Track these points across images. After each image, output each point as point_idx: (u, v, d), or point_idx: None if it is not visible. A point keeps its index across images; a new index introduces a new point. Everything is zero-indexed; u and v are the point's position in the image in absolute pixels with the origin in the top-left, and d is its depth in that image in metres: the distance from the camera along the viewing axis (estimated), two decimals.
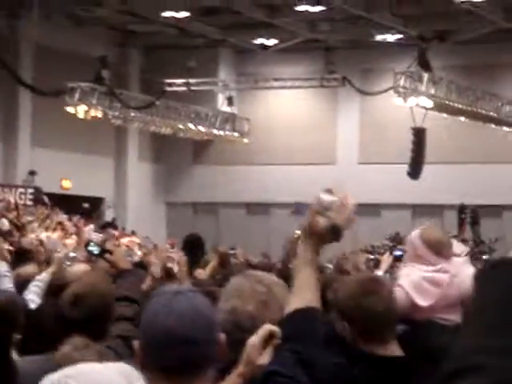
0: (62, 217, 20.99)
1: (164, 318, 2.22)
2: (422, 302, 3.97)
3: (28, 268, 6.93)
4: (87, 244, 4.85)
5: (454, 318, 4.02)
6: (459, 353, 1.19)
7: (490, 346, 1.16)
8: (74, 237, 20.13)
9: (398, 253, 7.77)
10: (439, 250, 4.16)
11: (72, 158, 26.04)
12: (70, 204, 24.40)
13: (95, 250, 4.60)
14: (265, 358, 2.38)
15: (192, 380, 2.22)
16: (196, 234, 8.41)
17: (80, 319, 3.62)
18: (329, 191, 2.52)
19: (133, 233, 22.24)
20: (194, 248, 7.96)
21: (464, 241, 22.24)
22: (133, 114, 25.67)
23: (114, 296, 3.90)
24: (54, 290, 4.84)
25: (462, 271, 4.16)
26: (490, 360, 1.14)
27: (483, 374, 1.13)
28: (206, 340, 2.24)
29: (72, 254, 9.38)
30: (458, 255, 8.09)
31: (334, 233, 2.50)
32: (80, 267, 5.57)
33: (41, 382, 1.85)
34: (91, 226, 20.05)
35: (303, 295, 2.50)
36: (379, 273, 7.23)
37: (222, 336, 2.34)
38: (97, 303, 3.70)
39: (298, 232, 2.71)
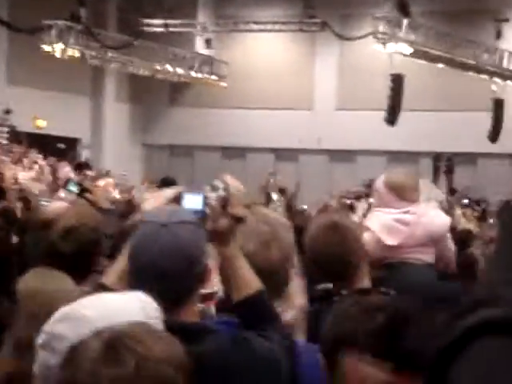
0: (38, 156, 20.84)
1: (145, 251, 2.29)
2: (391, 241, 4.02)
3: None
4: (66, 183, 4.83)
5: (426, 258, 4.09)
6: (480, 287, 1.23)
7: (507, 278, 1.18)
8: (49, 177, 20.04)
9: (380, 177, 7.85)
10: (402, 194, 4.20)
11: (48, 96, 25.78)
12: (44, 144, 24.25)
13: (75, 188, 4.58)
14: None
15: (175, 311, 2.27)
16: (171, 177, 8.43)
17: (71, 253, 3.59)
18: (213, 187, 2.53)
19: (107, 173, 22.14)
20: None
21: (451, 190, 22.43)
22: (110, 54, 25.40)
23: (103, 230, 3.90)
24: (34, 225, 4.83)
25: (429, 212, 4.23)
26: (507, 291, 1.15)
27: (499, 303, 1.14)
28: (186, 274, 2.30)
29: (44, 202, 9.35)
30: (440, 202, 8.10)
31: (240, 221, 2.52)
32: (60, 204, 5.56)
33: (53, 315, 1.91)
34: (67, 168, 19.96)
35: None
36: (355, 219, 7.32)
37: (210, 263, 2.41)
38: (88, 236, 3.69)
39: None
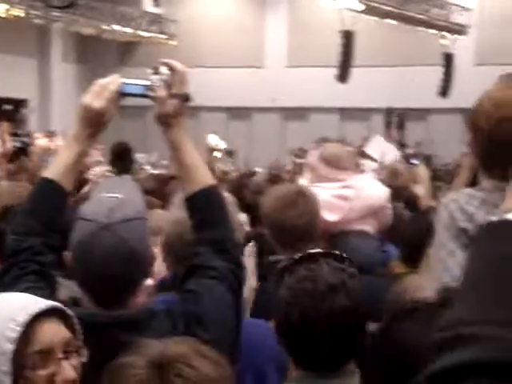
0: None
1: (86, 255, 2.20)
2: (331, 217, 4.07)
3: None
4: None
5: (367, 228, 4.17)
6: (452, 321, 1.13)
7: (485, 316, 1.10)
8: None
9: (312, 152, 7.80)
10: (338, 163, 4.27)
11: None
12: None
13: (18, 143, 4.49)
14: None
15: (120, 305, 2.23)
16: (123, 142, 8.27)
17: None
18: (155, 71, 2.47)
19: (51, 133, 21.74)
20: (123, 158, 7.89)
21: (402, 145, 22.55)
22: (55, 14, 24.89)
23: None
24: None
25: (368, 185, 4.28)
26: (486, 330, 1.08)
27: (478, 344, 1.07)
28: (130, 274, 2.23)
29: None
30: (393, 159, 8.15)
31: (187, 100, 2.49)
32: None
33: None
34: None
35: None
36: (304, 181, 7.29)
37: (155, 252, 2.35)
38: None
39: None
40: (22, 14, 23.37)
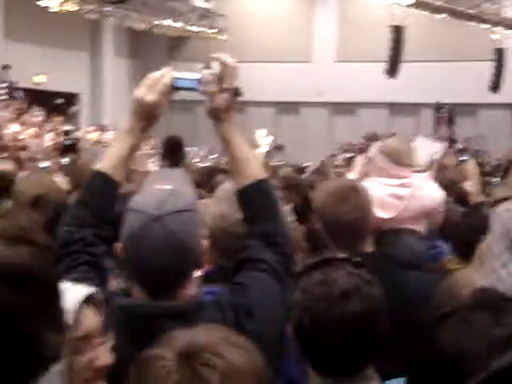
0: (37, 113, 20.72)
1: (138, 247, 2.22)
2: (384, 214, 4.05)
3: (6, 165, 6.93)
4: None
5: (419, 228, 4.15)
6: None
7: None
8: (51, 134, 19.96)
9: (374, 145, 7.80)
10: (399, 159, 4.24)
11: (46, 52, 25.55)
12: (44, 99, 24.09)
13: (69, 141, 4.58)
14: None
15: (171, 296, 2.25)
16: (175, 136, 8.33)
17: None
18: (206, 66, 2.49)
19: (102, 127, 21.99)
20: (174, 151, 7.94)
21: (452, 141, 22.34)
22: (108, 9, 25.14)
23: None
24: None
25: (425, 185, 4.25)
26: None
27: None
28: (181, 267, 2.26)
29: (44, 165, 9.32)
30: (435, 154, 8.18)
31: (238, 94, 2.51)
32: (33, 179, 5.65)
33: None
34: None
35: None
36: (351, 175, 7.30)
37: (205, 243, 2.35)
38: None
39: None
40: (75, 9, 23.64)
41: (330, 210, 3.34)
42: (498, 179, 11.57)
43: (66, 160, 10.97)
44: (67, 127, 16.38)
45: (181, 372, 1.46)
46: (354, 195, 3.38)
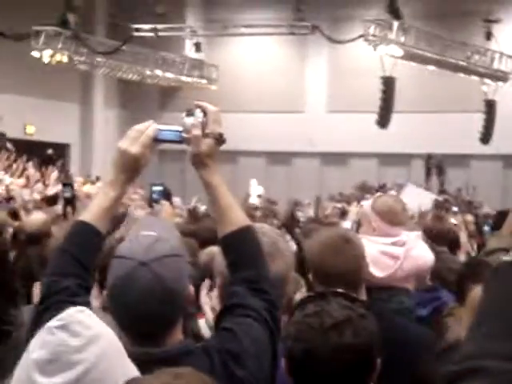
0: (27, 164, 20.73)
1: (125, 293, 2.20)
2: (379, 273, 3.99)
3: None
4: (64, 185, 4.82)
5: (410, 286, 4.11)
6: (462, 356, 1.16)
7: (493, 350, 1.13)
8: (39, 185, 19.89)
9: (366, 202, 7.79)
10: (392, 218, 4.19)
11: (37, 103, 25.68)
12: (34, 150, 24.12)
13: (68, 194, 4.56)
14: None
15: (159, 341, 2.23)
16: (165, 187, 8.31)
17: None
18: (189, 113, 2.49)
19: (97, 179, 22.03)
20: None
21: (442, 192, 22.39)
22: (99, 60, 25.29)
23: None
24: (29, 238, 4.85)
25: (417, 245, 4.22)
26: (493, 363, 1.11)
27: (486, 376, 1.10)
28: (169, 312, 2.23)
29: (27, 197, 9.23)
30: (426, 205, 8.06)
31: (221, 140, 2.51)
32: (39, 215, 5.58)
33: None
34: (55, 173, 19.84)
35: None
36: (347, 223, 7.28)
37: (191, 289, 2.33)
38: None
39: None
40: (66, 60, 23.76)
41: (323, 262, 3.29)
42: (489, 229, 11.56)
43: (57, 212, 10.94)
44: (66, 180, 16.45)
45: None
46: (347, 246, 3.33)
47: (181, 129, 2.48)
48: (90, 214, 2.47)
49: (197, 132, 2.46)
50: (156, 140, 2.48)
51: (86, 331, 1.67)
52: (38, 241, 4.39)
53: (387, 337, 2.37)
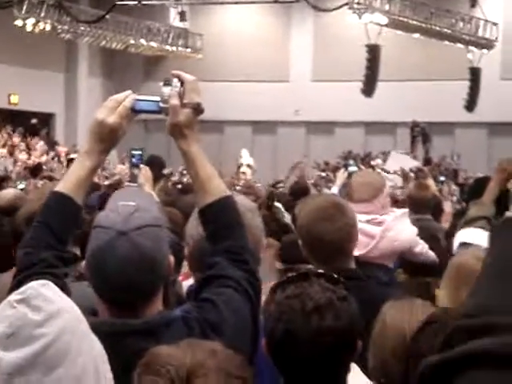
0: (12, 134, 20.66)
1: (104, 263, 2.18)
2: (355, 251, 4.02)
3: None
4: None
5: (388, 263, 4.16)
6: (471, 311, 1.17)
7: (502, 305, 1.14)
8: (24, 153, 19.84)
9: (352, 168, 7.83)
10: (351, 194, 4.23)
11: (21, 72, 25.47)
12: (18, 119, 24.02)
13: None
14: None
15: (139, 310, 2.23)
16: (158, 156, 8.28)
17: None
18: (166, 82, 2.45)
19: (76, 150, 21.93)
20: (154, 170, 7.88)
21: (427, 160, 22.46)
22: (82, 28, 25.11)
23: None
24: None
25: (397, 225, 4.20)
26: (502, 319, 1.11)
27: (495, 333, 1.10)
28: (149, 281, 2.22)
29: (21, 186, 9.24)
30: (411, 170, 8.10)
31: (199, 110, 2.45)
32: (10, 191, 5.67)
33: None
34: (41, 143, 19.79)
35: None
36: (334, 188, 7.31)
37: (171, 259, 2.32)
38: None
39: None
40: (49, 28, 23.58)
41: (315, 228, 3.28)
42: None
43: (41, 182, 10.91)
44: (73, 155, 16.40)
45: None
46: (339, 214, 3.31)
47: (159, 99, 2.45)
48: (66, 184, 2.45)
49: (175, 102, 2.43)
50: (133, 110, 2.46)
51: (48, 305, 1.64)
52: (9, 214, 4.37)
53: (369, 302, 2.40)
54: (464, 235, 4.09)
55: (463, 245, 3.99)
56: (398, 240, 4.18)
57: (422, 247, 4.44)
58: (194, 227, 2.67)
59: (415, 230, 4.38)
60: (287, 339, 2.18)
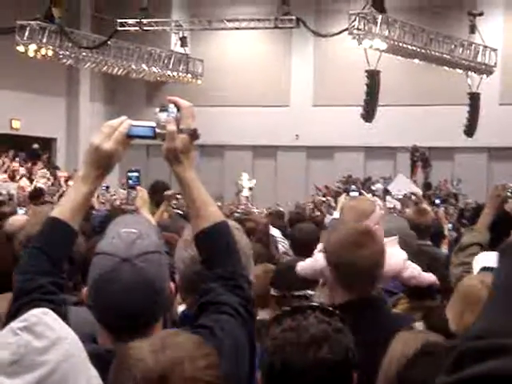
0: (13, 159, 20.70)
1: (107, 290, 2.19)
2: None
3: None
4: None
5: (383, 285, 4.19)
6: (480, 333, 1.16)
7: (509, 326, 1.14)
8: (24, 179, 19.87)
9: (353, 193, 7.87)
10: (342, 216, 4.27)
11: (23, 97, 25.57)
12: (19, 144, 24.08)
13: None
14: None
15: (142, 336, 2.16)
16: (162, 181, 8.26)
17: None
18: (162, 108, 2.46)
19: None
20: (156, 194, 7.89)
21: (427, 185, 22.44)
22: (84, 54, 25.23)
23: None
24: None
25: (388, 250, 4.23)
26: (510, 341, 1.11)
27: (503, 355, 1.10)
28: (151, 308, 2.22)
29: (21, 211, 9.26)
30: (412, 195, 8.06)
31: (195, 136, 2.46)
32: (23, 217, 5.64)
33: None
34: (43, 170, 19.81)
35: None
36: (335, 214, 7.32)
37: (172, 286, 2.34)
38: None
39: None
40: (50, 54, 23.69)
41: (347, 255, 3.30)
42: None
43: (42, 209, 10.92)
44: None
45: None
46: (370, 241, 3.36)
47: (154, 124, 2.45)
48: (62, 209, 2.44)
49: (171, 127, 2.43)
50: (129, 136, 2.47)
51: (50, 333, 1.66)
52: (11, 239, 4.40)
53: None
54: (486, 259, 4.06)
55: (485, 269, 3.93)
56: (386, 266, 4.21)
57: (412, 271, 4.41)
58: (182, 250, 2.68)
59: (404, 254, 4.40)
60: (284, 371, 2.19)
